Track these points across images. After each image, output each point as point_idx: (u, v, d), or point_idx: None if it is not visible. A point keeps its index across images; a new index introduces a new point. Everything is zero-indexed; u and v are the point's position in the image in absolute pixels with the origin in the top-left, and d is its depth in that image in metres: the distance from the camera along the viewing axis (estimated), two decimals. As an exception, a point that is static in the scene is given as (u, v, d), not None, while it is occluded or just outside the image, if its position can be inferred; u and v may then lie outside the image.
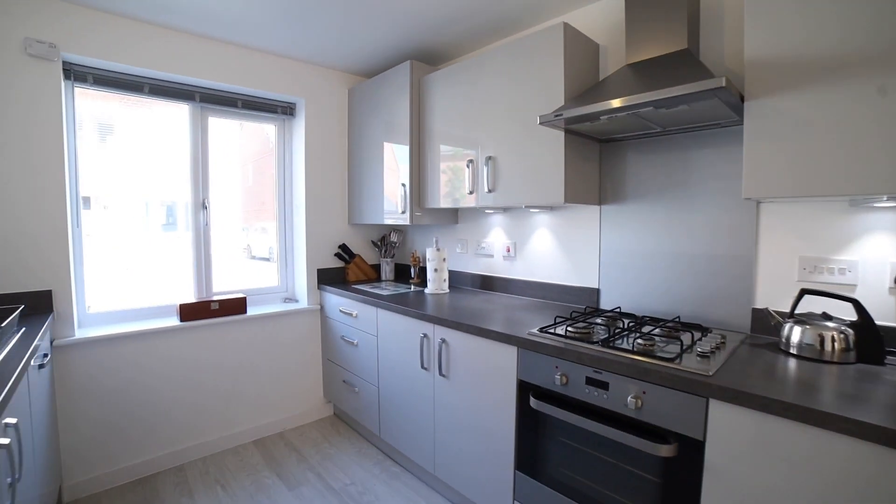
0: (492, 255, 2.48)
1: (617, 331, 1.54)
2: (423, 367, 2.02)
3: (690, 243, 1.73)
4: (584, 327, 1.56)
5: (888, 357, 1.32)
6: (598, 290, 2.02)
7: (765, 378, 1.16)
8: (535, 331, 1.61)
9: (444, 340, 1.90)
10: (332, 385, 2.79)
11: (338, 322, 2.66)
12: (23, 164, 1.89)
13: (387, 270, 2.94)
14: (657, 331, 1.55)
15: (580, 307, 2.06)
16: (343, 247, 2.90)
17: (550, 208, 2.17)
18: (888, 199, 1.27)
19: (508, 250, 2.37)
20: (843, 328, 1.31)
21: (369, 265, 3.02)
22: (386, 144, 2.57)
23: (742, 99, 1.33)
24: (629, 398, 1.28)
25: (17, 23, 1.87)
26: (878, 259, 1.36)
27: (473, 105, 2.12)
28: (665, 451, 1.21)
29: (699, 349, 1.34)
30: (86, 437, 2.07)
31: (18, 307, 1.69)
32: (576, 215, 2.10)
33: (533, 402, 1.53)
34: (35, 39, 1.90)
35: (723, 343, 1.44)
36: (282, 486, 2.17)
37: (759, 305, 1.58)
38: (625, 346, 1.42)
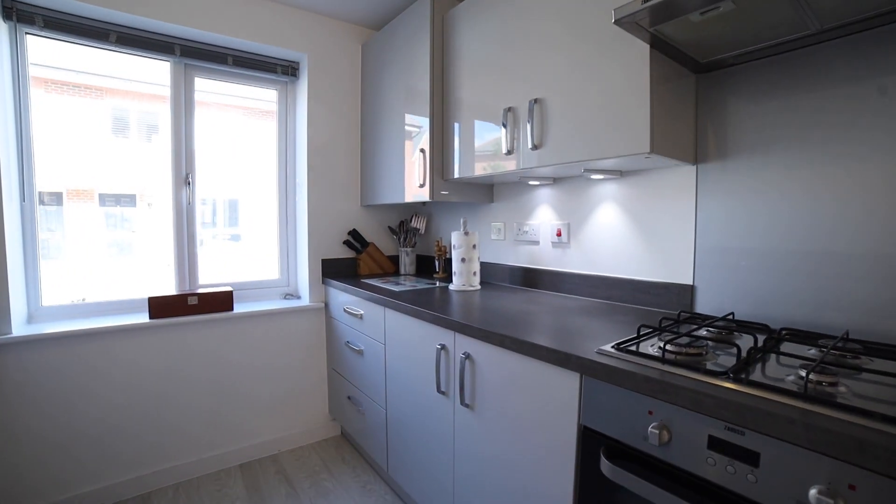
0: (537, 242, 1.89)
1: (751, 351, 0.92)
2: (439, 390, 1.46)
3: (860, 207, 1.07)
4: (689, 344, 0.95)
5: None
6: (692, 288, 1.39)
7: None
8: (607, 347, 1.02)
9: (467, 355, 1.34)
10: (337, 401, 2.29)
11: (343, 324, 2.16)
12: (-57, 119, 1.51)
13: (406, 262, 2.41)
14: (817, 353, 0.91)
15: (668, 312, 1.43)
16: (353, 233, 2.40)
17: (620, 173, 1.56)
18: None
19: (559, 234, 1.77)
20: None
21: (386, 256, 2.50)
22: (404, 105, 2.04)
23: None
24: (814, 492, 0.66)
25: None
26: None
27: (513, 36, 1.55)
28: None
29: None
30: (26, 458, 1.67)
31: None
32: (657, 181, 1.47)
33: (606, 465, 0.93)
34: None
35: (968, 383, 0.79)
36: (259, 535, 1.68)
37: None
38: (777, 381, 0.81)
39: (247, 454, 2.17)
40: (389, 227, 2.52)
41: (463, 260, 1.85)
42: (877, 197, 1.04)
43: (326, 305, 2.33)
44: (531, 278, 1.91)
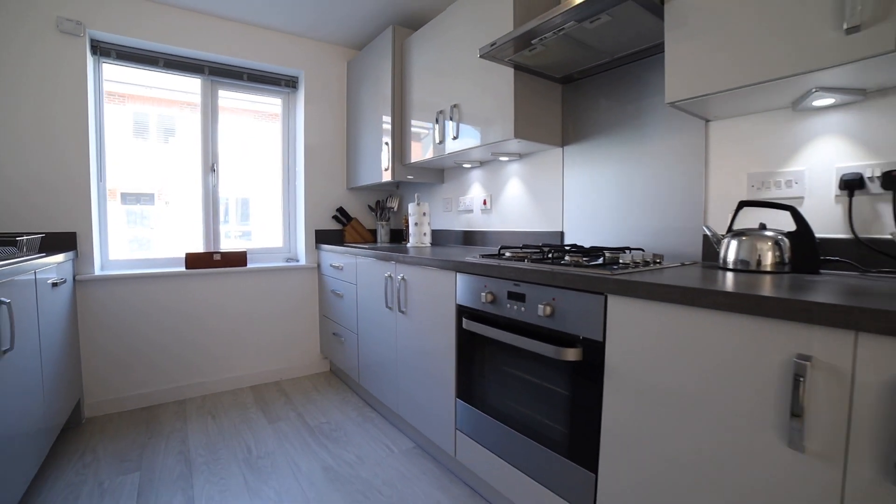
0: (471, 210, 2.51)
1: (552, 254, 1.53)
2: (387, 306, 2.09)
3: (644, 174, 1.67)
4: (522, 252, 1.56)
5: (825, 267, 1.23)
6: (561, 233, 1.99)
7: (676, 280, 1.12)
8: (474, 256, 1.63)
9: (403, 278, 1.97)
10: (326, 340, 2.93)
11: (330, 277, 2.80)
12: (52, 124, 2.20)
13: (382, 234, 3.04)
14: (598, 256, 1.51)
15: (545, 252, 2.04)
16: (340, 210, 3.05)
17: (519, 156, 2.18)
18: (827, 96, 1.17)
19: (485, 203, 2.40)
20: (779, 238, 1.23)
21: (366, 229, 3.15)
22: (376, 109, 2.69)
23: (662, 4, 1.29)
24: (540, 306, 1.28)
25: (51, 4, 2.19)
26: (823, 166, 1.26)
27: (442, 59, 2.18)
28: (570, 354, 1.20)
29: (622, 260, 1.31)
30: (104, 365, 2.35)
31: (41, 234, 1.99)
32: (541, 160, 2.08)
33: (465, 322, 1.55)
34: (65, 18, 2.22)
35: (657, 262, 1.38)
36: (264, 420, 2.32)
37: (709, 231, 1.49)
38: (550, 261, 1.41)
39: (256, 379, 2.82)
40: (369, 206, 3.17)
41: (416, 224, 2.48)
42: (651, 166, 1.64)
43: (318, 265, 2.98)
44: (468, 238, 2.53)
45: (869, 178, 1.18)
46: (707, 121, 1.49)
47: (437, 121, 2.20)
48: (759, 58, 1.09)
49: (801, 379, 0.78)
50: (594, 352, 1.16)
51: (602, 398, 1.15)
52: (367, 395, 2.53)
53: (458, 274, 1.63)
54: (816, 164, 1.27)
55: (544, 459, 1.32)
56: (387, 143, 2.54)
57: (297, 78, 3.01)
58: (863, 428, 0.73)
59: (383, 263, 2.13)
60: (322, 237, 3.02)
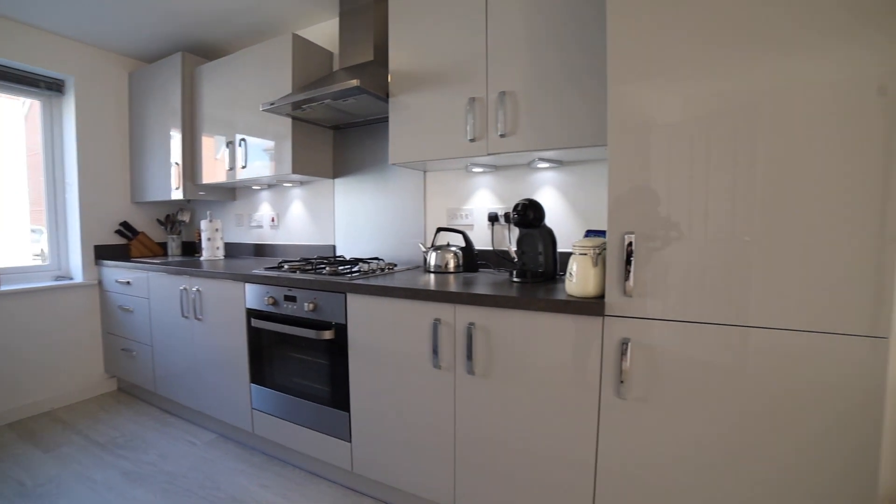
0: (262, 226, 2.87)
1: (320, 266, 2.06)
2: (184, 316, 2.31)
3: (389, 203, 2.35)
4: (296, 264, 2.05)
5: (481, 268, 2.08)
6: (334, 246, 2.56)
7: (390, 281, 1.78)
8: (258, 269, 2.05)
9: (198, 290, 2.23)
10: (113, 357, 2.86)
11: (115, 293, 2.76)
12: None
13: (173, 247, 3.10)
14: (350, 265, 2.11)
15: (327, 261, 2.56)
16: (124, 224, 2.98)
17: (300, 183, 2.65)
18: (476, 167, 2.00)
19: (273, 220, 2.79)
20: (457, 251, 2.02)
21: (156, 242, 3.15)
22: (165, 126, 2.77)
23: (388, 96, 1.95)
24: (306, 304, 1.80)
25: None
26: (482, 207, 2.11)
27: (233, 95, 2.48)
28: (327, 335, 1.75)
29: (360, 269, 1.92)
30: None
31: None
32: (318, 188, 2.61)
33: (253, 322, 1.96)
34: None
35: (390, 269, 2.05)
36: (37, 451, 2.22)
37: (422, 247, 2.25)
38: (312, 271, 1.95)
39: (16, 414, 2.54)
40: (158, 220, 3.17)
41: (209, 239, 2.71)
42: (393, 198, 2.33)
43: (100, 282, 2.87)
44: (259, 250, 2.88)
45: (501, 215, 2.06)
46: (424, 171, 2.24)
47: (227, 147, 2.49)
48: (436, 144, 1.83)
49: (437, 332, 1.50)
50: (342, 332, 1.74)
51: (348, 362, 1.74)
52: (165, 403, 2.64)
53: (246, 284, 2.02)
54: (478, 204, 2.12)
55: (317, 413, 1.85)
56: (177, 164, 2.68)
57: (63, 82, 2.81)
58: (459, 351, 1.48)
59: (177, 277, 2.33)
60: (103, 253, 2.91)
